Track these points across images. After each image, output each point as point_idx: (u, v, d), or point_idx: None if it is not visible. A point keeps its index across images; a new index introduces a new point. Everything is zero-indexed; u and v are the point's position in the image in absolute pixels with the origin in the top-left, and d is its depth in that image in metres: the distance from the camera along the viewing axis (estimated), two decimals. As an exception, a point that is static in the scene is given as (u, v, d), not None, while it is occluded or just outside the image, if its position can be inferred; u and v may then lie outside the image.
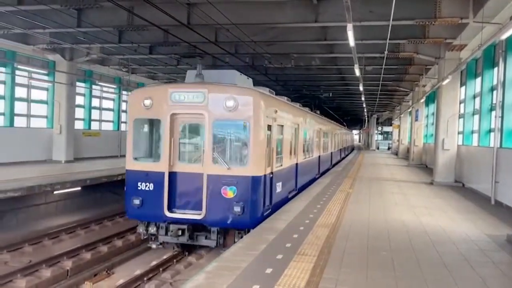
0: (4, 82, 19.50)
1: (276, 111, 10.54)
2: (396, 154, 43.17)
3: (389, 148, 59.53)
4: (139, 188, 9.39)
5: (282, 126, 11.50)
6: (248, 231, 8.66)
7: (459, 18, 12.80)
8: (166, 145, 9.33)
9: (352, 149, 57.36)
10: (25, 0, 13.95)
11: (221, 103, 9.08)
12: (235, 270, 5.72)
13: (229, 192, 8.96)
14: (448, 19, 12.94)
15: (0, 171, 15.84)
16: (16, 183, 13.17)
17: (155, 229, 9.59)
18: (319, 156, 19.66)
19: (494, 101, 14.76)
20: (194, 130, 9.82)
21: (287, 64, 20.71)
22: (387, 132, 73.06)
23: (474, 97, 18.04)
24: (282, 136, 11.60)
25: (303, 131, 14.90)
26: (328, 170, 22.88)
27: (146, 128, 10.11)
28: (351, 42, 11.71)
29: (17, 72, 20.13)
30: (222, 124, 9.30)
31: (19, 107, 20.31)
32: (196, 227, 9.43)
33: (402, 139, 40.93)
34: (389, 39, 14.13)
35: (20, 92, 20.28)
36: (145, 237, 10.03)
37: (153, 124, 9.92)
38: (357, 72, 17.77)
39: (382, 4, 12.82)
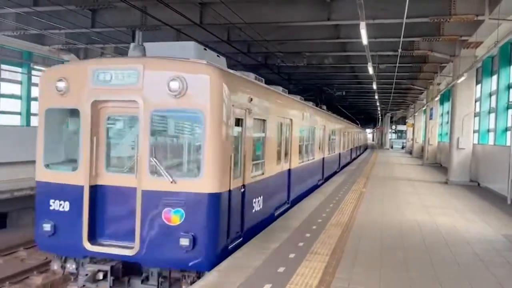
0: (20, 82, 19.84)
1: (251, 99, 7.45)
2: (410, 153, 42.76)
3: (403, 147, 58.99)
4: (51, 208, 6.62)
5: (264, 121, 8.40)
6: (201, 275, 6.07)
7: (475, 15, 12.62)
8: (86, 147, 6.50)
9: (365, 149, 55.88)
10: (41, 1, 14.19)
11: (163, 85, 6.14)
12: (247, 269, 5.74)
13: (173, 217, 6.07)
14: (463, 16, 12.77)
15: None
16: None
17: (74, 265, 6.69)
18: (323, 159, 16.91)
19: (511, 99, 14.52)
20: (127, 124, 6.93)
21: (300, 63, 20.68)
22: (401, 131, 72.43)
23: (490, 95, 17.78)
24: (265, 134, 8.50)
25: (299, 128, 11.92)
26: (335, 173, 20.51)
27: (62, 123, 7.17)
28: (364, 40, 11.63)
29: (33, 72, 20.47)
30: (164, 116, 6.50)
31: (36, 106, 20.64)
32: (129, 267, 6.50)
33: (416, 138, 40.52)
34: (403, 37, 14.00)
35: (36, 92, 20.61)
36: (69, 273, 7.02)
37: (72, 116, 6.96)
38: (371, 71, 17.65)
39: (395, 2, 12.71)
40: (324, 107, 20.45)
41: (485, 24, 13.18)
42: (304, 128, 12.78)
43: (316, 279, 5.48)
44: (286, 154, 10.39)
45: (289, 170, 10.72)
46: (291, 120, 10.73)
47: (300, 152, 12.03)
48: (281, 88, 10.83)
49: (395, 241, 7.73)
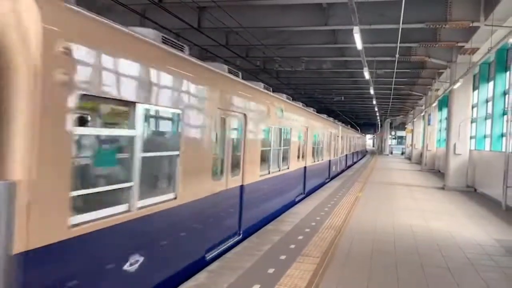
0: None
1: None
2: (410, 158, 42.79)
3: (402, 153, 58.99)
4: None
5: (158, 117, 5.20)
6: None
7: (470, 21, 12.72)
8: None
9: (363, 155, 54.17)
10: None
11: None
12: (237, 270, 5.78)
13: None
14: (459, 22, 12.86)
15: None
16: None
17: None
18: (305, 168, 14.16)
19: (506, 105, 14.58)
20: None
21: (298, 68, 20.78)
22: (400, 137, 72.48)
23: (487, 101, 17.85)
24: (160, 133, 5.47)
25: (257, 127, 8.69)
26: (323, 184, 17.80)
27: None
28: (359, 45, 11.73)
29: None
30: None
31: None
32: None
33: (415, 143, 40.57)
34: (400, 43, 14.12)
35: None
36: None
37: None
38: (367, 76, 17.74)
39: (392, 7, 12.81)
40: (312, 109, 17.05)
41: (480, 30, 13.28)
42: (268, 128, 9.67)
43: (305, 281, 5.52)
44: (222, 166, 7.12)
45: (242, 187, 7.90)
46: (244, 115, 7.90)
47: (255, 162, 8.71)
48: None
49: (387, 245, 7.76)
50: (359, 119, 66.88)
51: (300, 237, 7.82)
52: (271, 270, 5.84)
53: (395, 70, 20.07)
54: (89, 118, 3.92)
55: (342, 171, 25.11)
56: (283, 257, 6.51)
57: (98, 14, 4.06)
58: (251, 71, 21.26)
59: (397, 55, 16.47)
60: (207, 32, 14.04)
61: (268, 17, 14.61)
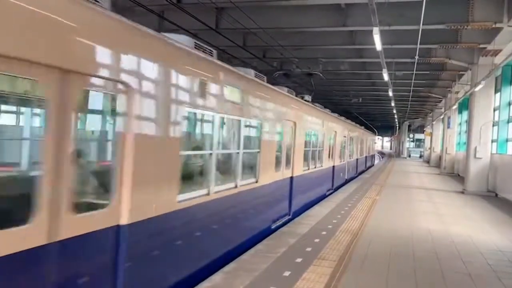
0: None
1: None
2: (428, 162, 42.14)
3: (421, 156, 58.15)
4: None
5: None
6: None
7: (493, 23, 12.43)
8: None
9: (371, 164, 37.94)
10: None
11: None
12: (253, 272, 5.73)
13: None
14: (481, 23, 12.59)
15: None
16: None
17: None
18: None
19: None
20: None
21: (315, 69, 20.64)
22: (419, 140, 71.47)
23: (509, 104, 17.44)
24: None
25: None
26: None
27: None
28: (378, 46, 11.58)
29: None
30: None
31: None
32: None
33: (434, 146, 39.94)
34: (420, 44, 13.88)
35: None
36: None
37: None
38: (386, 77, 17.52)
39: (412, 8, 12.61)
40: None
41: (503, 31, 12.98)
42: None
43: (322, 284, 5.44)
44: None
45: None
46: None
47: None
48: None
49: (405, 249, 7.61)
50: (376, 121, 66.16)
51: (317, 240, 7.73)
52: (287, 273, 5.78)
53: (414, 72, 19.77)
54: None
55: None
56: (299, 260, 6.43)
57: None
58: (267, 72, 21.19)
59: (416, 57, 16.22)
60: (225, 33, 14.05)
61: (286, 17, 14.55)
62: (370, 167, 33.58)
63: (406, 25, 13.48)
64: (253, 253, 6.67)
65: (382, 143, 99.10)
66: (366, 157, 31.20)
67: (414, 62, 17.55)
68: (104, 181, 3.92)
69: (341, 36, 16.45)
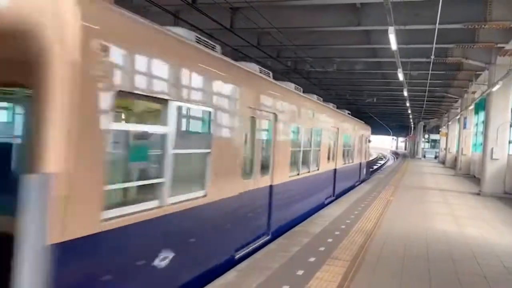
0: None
1: None
2: (443, 163, 41.61)
3: (436, 157, 57.43)
4: None
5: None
6: None
7: (511, 22, 12.23)
8: None
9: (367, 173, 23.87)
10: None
11: None
12: (266, 270, 5.76)
13: None
14: (499, 22, 12.41)
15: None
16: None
17: None
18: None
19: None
20: None
21: (329, 68, 20.59)
22: (434, 140, 70.53)
23: (528, 104, 17.15)
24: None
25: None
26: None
27: None
28: (393, 45, 11.50)
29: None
30: None
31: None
32: None
33: (449, 147, 39.42)
34: (436, 44, 13.73)
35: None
36: None
37: None
38: (401, 77, 17.38)
39: (428, 7, 12.48)
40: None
41: (522, 31, 12.77)
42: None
43: (335, 284, 5.45)
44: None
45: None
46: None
47: None
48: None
49: (420, 250, 7.56)
50: (391, 121, 65.61)
51: (330, 240, 7.72)
52: (300, 272, 5.80)
53: (430, 72, 19.56)
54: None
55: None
56: (312, 259, 6.44)
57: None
58: (282, 72, 21.22)
59: (432, 56, 16.04)
60: (239, 32, 14.11)
61: (300, 17, 14.54)
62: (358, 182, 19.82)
63: (422, 25, 13.35)
64: (266, 252, 6.71)
65: (397, 143, 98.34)
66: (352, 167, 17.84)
67: (430, 62, 17.37)
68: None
69: (355, 35, 16.38)
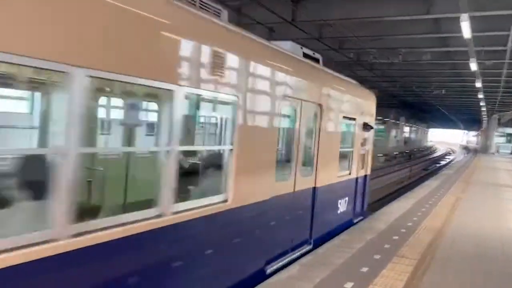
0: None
1: None
2: (520, 158, 38.69)
3: (511, 152, 53.52)
4: None
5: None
6: None
7: None
8: None
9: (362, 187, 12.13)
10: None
11: None
12: (329, 265, 5.71)
13: None
14: None
15: None
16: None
17: None
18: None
19: None
20: None
21: (395, 59, 19.81)
22: (510, 134, 65.79)
23: None
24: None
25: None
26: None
27: None
28: (466, 33, 10.82)
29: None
30: None
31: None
32: None
33: (527, 142, 36.53)
34: (514, 30, 12.72)
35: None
36: None
37: None
38: (474, 67, 16.34)
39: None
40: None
41: None
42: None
43: (402, 282, 5.27)
44: None
45: None
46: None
47: None
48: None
49: (493, 251, 7.12)
50: (460, 114, 62.02)
51: (395, 237, 7.48)
52: (364, 269, 5.68)
53: (506, 61, 18.18)
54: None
55: None
56: (377, 256, 6.28)
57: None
58: (344, 64, 20.74)
59: (509, 44, 14.88)
60: (300, 25, 13.97)
61: (363, 7, 14.07)
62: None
63: (498, 10, 12.40)
64: (329, 247, 6.64)
65: (468, 137, 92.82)
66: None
67: (506, 50, 16.13)
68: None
69: (423, 24, 15.55)
